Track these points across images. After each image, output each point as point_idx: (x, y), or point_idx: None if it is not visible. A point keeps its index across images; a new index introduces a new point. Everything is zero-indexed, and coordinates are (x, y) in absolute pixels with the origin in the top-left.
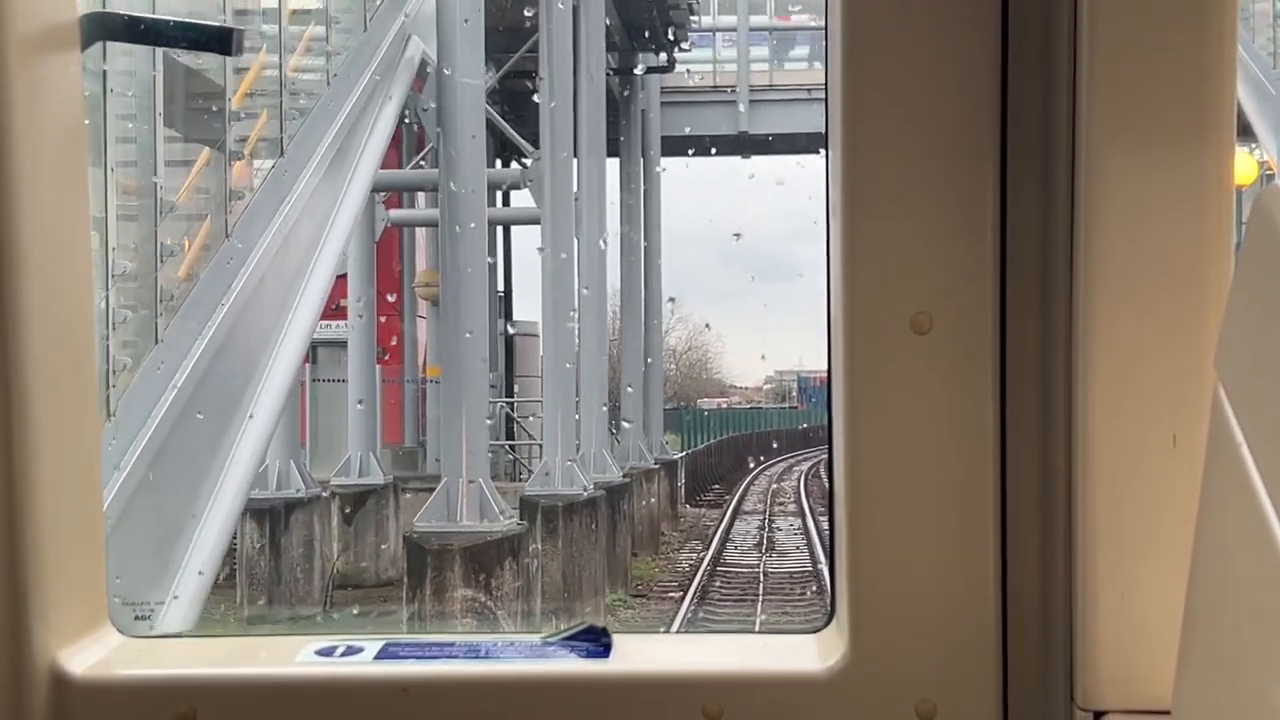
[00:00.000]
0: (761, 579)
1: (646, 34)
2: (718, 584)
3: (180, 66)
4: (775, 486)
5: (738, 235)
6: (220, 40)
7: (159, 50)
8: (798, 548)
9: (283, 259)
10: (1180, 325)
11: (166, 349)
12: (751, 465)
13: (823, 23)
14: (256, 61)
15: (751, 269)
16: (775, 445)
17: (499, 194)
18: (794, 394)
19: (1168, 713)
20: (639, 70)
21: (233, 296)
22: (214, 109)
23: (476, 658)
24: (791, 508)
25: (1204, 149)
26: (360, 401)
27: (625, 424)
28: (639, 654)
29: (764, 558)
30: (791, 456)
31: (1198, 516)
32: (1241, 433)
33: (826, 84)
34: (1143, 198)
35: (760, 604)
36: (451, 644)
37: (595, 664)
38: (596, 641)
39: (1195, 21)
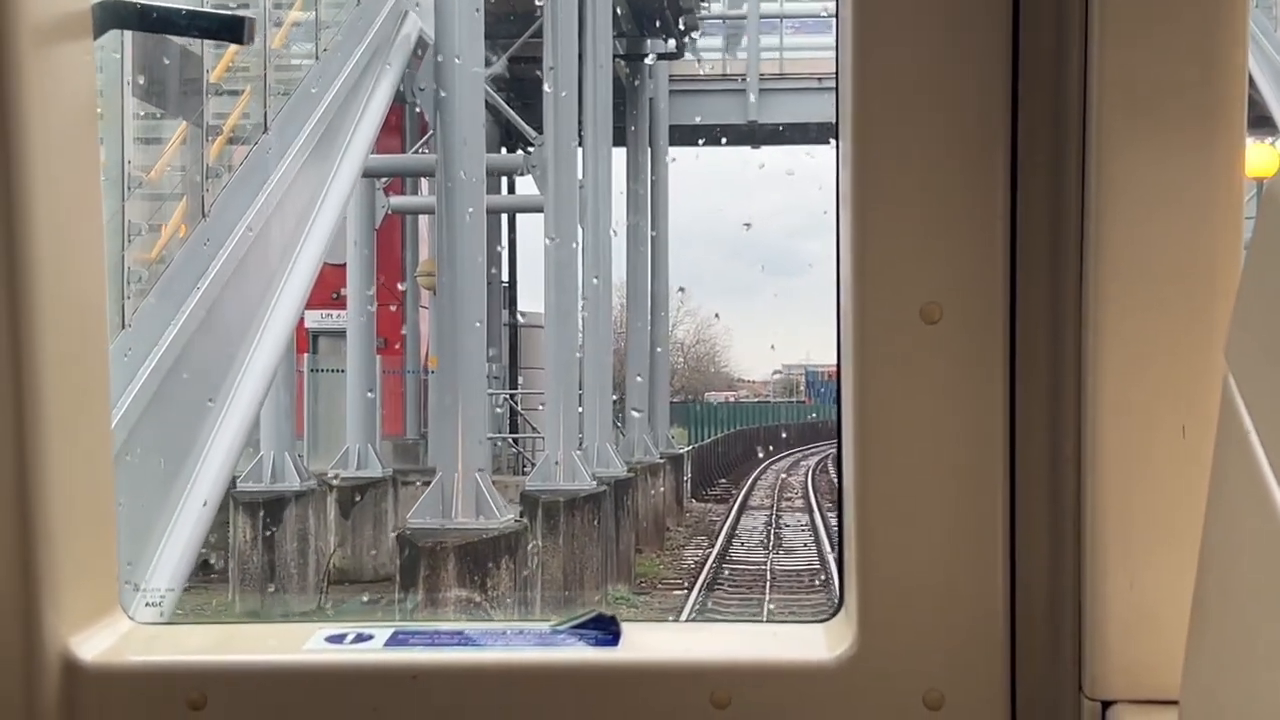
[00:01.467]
0: (769, 576)
1: (656, 21)
2: (724, 581)
3: (155, 36)
4: (783, 480)
5: (748, 225)
6: (232, 29)
7: None
8: (805, 544)
9: (265, 241)
10: (1191, 315)
11: (135, 334)
12: (759, 459)
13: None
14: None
15: (760, 262)
16: (783, 439)
17: (504, 180)
18: (802, 388)
19: (1176, 702)
20: (649, 59)
21: (209, 279)
22: (192, 82)
23: (485, 645)
24: (799, 503)
25: (1214, 140)
26: (370, 391)
27: (634, 413)
28: (648, 642)
29: (771, 555)
30: (799, 451)
31: (1207, 506)
32: (1251, 422)
33: (837, 74)
34: (1153, 188)
35: (766, 600)
36: (461, 632)
37: (604, 652)
38: (605, 630)
39: (1206, 13)
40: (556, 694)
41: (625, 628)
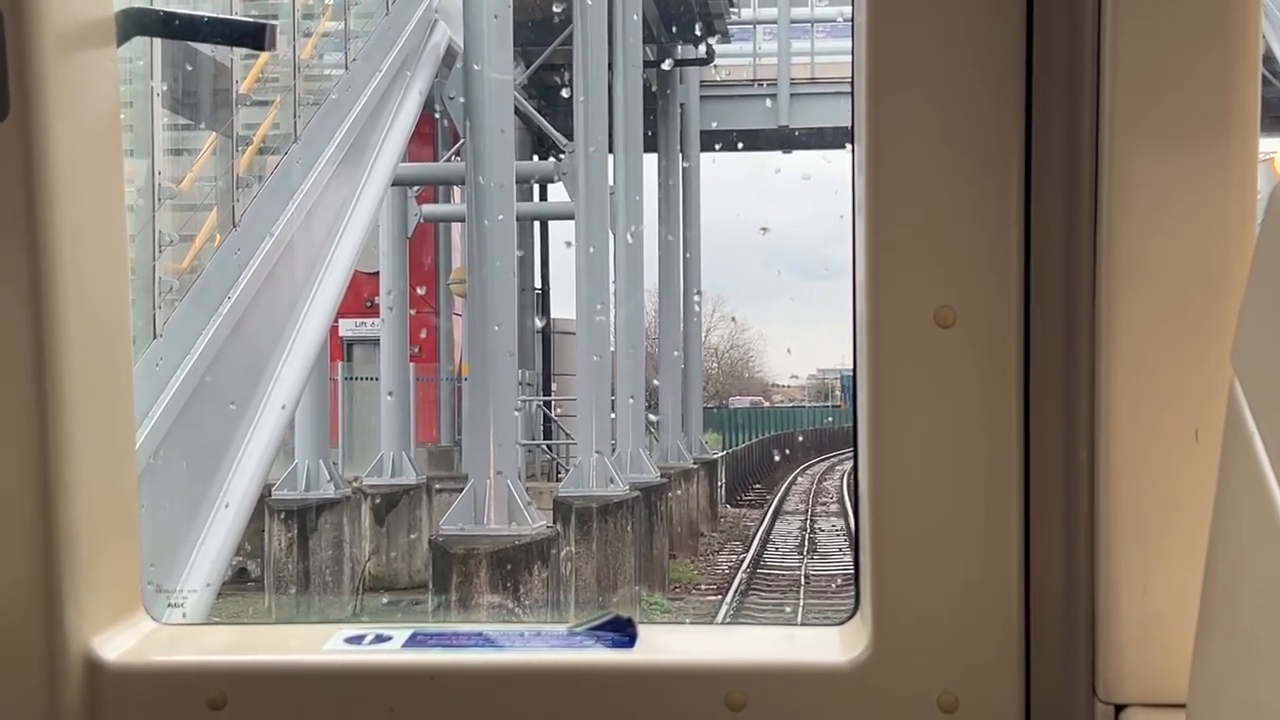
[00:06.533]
0: (803, 581)
1: (679, 28)
2: (758, 585)
3: (184, 47)
4: (817, 486)
5: (765, 229)
6: (254, 35)
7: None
8: (840, 549)
9: (295, 250)
10: (1203, 319)
11: (166, 343)
12: (793, 464)
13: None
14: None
15: (789, 267)
16: (817, 444)
17: (535, 187)
18: (837, 392)
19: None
20: (668, 65)
21: (240, 288)
22: (222, 94)
23: (503, 647)
24: (834, 508)
25: (1227, 142)
26: (390, 393)
27: (651, 418)
28: (664, 644)
29: (806, 560)
30: (834, 455)
31: (1213, 511)
32: (1255, 426)
33: (853, 78)
34: (1166, 190)
35: (801, 606)
36: (479, 633)
37: (621, 654)
38: (623, 632)
39: (1219, 13)
40: (573, 695)
41: (642, 630)
